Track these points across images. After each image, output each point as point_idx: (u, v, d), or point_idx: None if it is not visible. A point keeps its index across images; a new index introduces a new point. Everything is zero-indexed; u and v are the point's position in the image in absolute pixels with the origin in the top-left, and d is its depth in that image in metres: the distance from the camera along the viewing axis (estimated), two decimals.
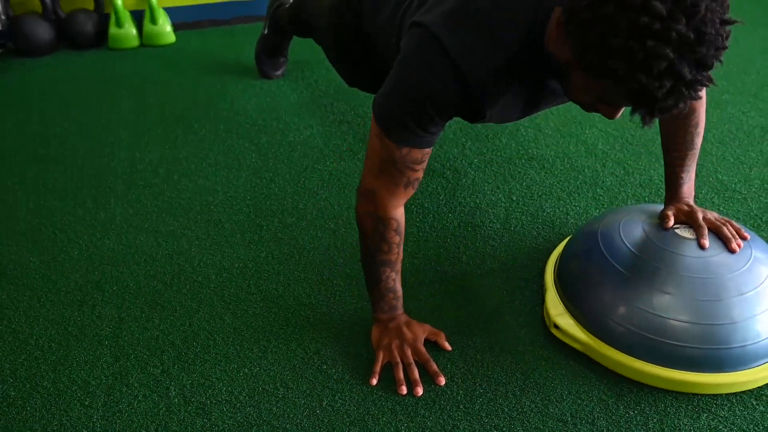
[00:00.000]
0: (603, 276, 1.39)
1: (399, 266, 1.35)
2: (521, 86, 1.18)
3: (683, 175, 1.43)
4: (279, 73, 2.34)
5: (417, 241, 1.66)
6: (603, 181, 1.86)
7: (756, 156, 1.96)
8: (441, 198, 1.81)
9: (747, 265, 1.35)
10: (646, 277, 1.34)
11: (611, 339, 1.34)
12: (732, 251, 1.35)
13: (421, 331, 1.37)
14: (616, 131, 2.07)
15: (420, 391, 1.28)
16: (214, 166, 1.95)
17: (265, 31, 2.27)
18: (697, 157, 1.43)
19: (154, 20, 2.58)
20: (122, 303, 1.52)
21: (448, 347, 1.37)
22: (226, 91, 2.31)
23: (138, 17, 2.63)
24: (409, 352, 1.33)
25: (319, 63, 2.43)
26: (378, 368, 1.32)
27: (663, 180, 1.61)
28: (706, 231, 1.37)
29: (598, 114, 1.27)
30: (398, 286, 1.36)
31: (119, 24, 2.55)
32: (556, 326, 1.39)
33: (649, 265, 1.35)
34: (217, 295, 1.53)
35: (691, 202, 1.44)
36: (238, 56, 2.54)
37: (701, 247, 1.35)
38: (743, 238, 1.39)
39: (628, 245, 1.39)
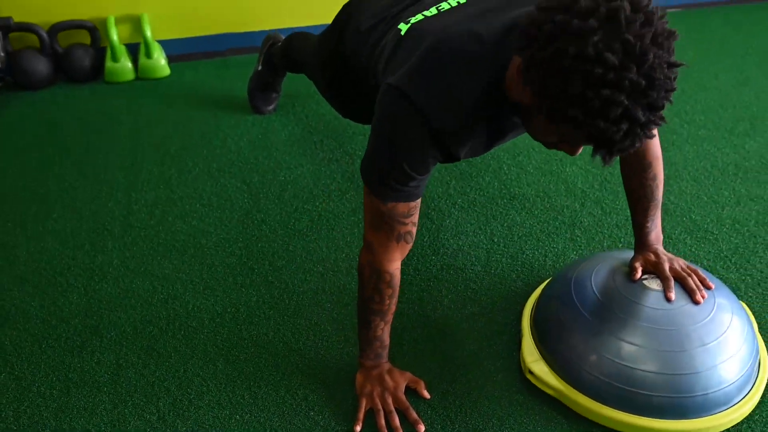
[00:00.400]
0: (575, 324, 1.47)
1: (389, 317, 1.41)
2: (488, 125, 1.26)
3: (648, 225, 1.52)
4: (271, 108, 2.42)
5: (402, 284, 1.73)
6: (581, 222, 1.94)
7: (729, 195, 2.05)
8: (425, 240, 1.89)
9: (710, 316, 1.43)
10: (614, 328, 1.42)
11: (582, 386, 1.42)
12: (696, 303, 1.42)
13: (402, 380, 1.45)
14: (595, 169, 2.15)
15: None
16: (207, 207, 2.02)
17: (259, 68, 2.35)
18: (659, 206, 1.51)
19: (149, 54, 2.65)
20: (120, 349, 1.59)
21: (427, 395, 1.45)
22: (218, 127, 2.39)
23: (133, 50, 2.70)
24: (389, 400, 1.41)
25: (310, 97, 2.51)
26: (361, 415, 1.40)
27: None
28: (672, 283, 1.45)
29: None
30: (386, 336, 1.44)
31: (115, 58, 2.62)
32: (531, 372, 1.47)
33: (616, 315, 1.43)
34: (210, 341, 1.61)
35: (660, 249, 1.52)
36: (231, 89, 2.61)
37: (668, 299, 1.43)
38: (708, 288, 1.47)
39: (598, 295, 1.47)
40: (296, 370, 1.54)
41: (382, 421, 1.38)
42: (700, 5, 3.29)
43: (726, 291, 1.54)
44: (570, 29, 0.94)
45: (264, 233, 1.93)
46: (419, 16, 1.32)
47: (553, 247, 1.86)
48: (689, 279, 1.46)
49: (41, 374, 1.54)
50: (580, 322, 1.46)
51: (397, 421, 1.38)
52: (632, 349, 1.39)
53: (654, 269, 1.49)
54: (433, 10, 1.32)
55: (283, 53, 2.16)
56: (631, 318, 1.42)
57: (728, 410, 1.40)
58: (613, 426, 1.40)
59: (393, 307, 1.41)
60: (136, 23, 2.68)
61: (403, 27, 1.31)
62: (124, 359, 1.57)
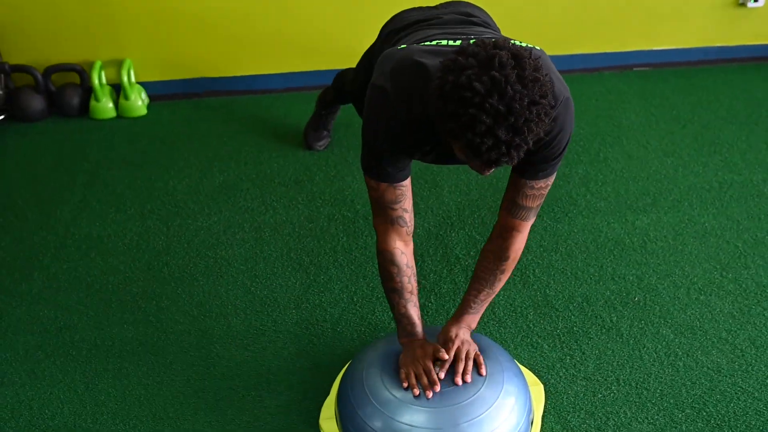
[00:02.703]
0: (358, 401, 1.67)
1: (408, 296, 1.63)
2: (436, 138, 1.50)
3: (471, 306, 1.71)
4: (321, 144, 2.75)
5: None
6: (440, 288, 2.13)
7: (593, 272, 2.18)
8: (297, 292, 2.14)
9: (472, 398, 1.61)
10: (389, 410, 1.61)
11: None
12: (455, 383, 1.61)
13: (430, 349, 1.63)
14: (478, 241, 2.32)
15: (429, 394, 1.57)
16: (128, 246, 2.34)
17: (316, 111, 2.73)
18: (491, 296, 1.70)
19: (126, 96, 3.00)
20: (6, 369, 1.93)
21: (445, 356, 1.61)
22: (165, 169, 2.69)
23: (118, 91, 3.06)
24: (420, 368, 1.61)
25: (258, 147, 2.78)
26: (403, 377, 1.62)
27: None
28: (446, 365, 1.64)
29: None
30: (411, 314, 1.64)
31: (97, 98, 2.99)
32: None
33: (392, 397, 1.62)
34: (79, 369, 1.92)
35: (461, 332, 1.70)
36: (199, 128, 2.94)
37: (437, 377, 1.62)
38: (479, 374, 1.65)
39: (382, 380, 1.66)
40: (139, 401, 1.83)
41: (413, 380, 1.60)
42: (667, 65, 3.34)
43: (510, 374, 1.70)
44: (454, 64, 1.24)
45: (163, 275, 2.22)
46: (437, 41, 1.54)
47: None
48: (460, 363, 1.64)
49: None
50: (362, 399, 1.66)
51: (429, 378, 1.59)
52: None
53: (442, 345, 1.68)
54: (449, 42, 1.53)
55: (333, 86, 2.53)
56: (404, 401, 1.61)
57: None
58: None
59: (408, 286, 1.63)
60: (120, 67, 3.03)
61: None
62: (7, 378, 1.90)
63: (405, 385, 1.63)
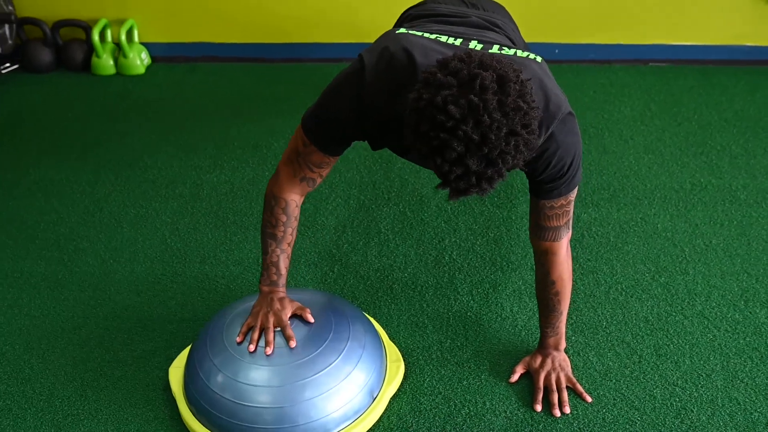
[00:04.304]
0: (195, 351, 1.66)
1: (285, 246, 1.58)
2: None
3: (547, 330, 1.68)
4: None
5: None
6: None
7: (517, 259, 2.06)
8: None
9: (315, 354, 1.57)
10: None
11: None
12: (553, 415, 1.62)
13: (290, 306, 1.61)
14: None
15: (269, 350, 1.52)
16: (74, 190, 2.42)
17: None
18: (562, 317, 1.65)
19: (125, 55, 3.10)
20: None
21: (311, 319, 1.59)
22: (148, 125, 2.77)
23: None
24: (271, 319, 1.57)
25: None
26: (244, 329, 1.58)
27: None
28: (540, 396, 1.66)
29: None
30: (281, 265, 1.60)
31: (98, 55, 3.11)
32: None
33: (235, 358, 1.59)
34: None
35: (551, 356, 1.70)
36: (185, 91, 3.01)
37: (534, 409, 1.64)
38: (584, 401, 1.66)
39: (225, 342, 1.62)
40: None
41: (256, 334, 1.55)
42: (687, 62, 3.11)
43: (356, 344, 1.63)
44: (433, 80, 1.14)
45: (94, 220, 2.29)
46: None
47: None
48: (554, 394, 1.65)
49: None
50: (201, 350, 1.64)
51: (270, 335, 1.54)
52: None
53: (533, 374, 1.70)
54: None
55: None
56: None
57: None
58: None
59: (289, 238, 1.58)
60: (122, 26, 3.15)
61: None
62: None
63: (239, 339, 1.59)
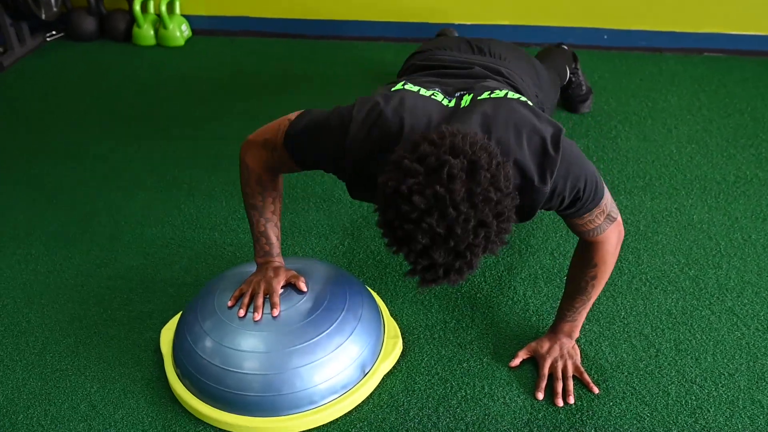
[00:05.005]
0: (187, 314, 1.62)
1: (269, 215, 1.52)
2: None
3: (567, 314, 1.57)
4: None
5: None
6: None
7: (536, 243, 1.95)
8: None
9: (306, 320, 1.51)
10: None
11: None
12: (555, 404, 1.52)
13: (284, 274, 1.55)
14: None
15: (257, 316, 1.48)
16: (115, 158, 2.42)
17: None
18: (588, 304, 1.54)
19: (165, 26, 3.10)
20: None
21: (304, 288, 1.54)
22: (179, 95, 2.77)
23: None
24: (263, 285, 1.52)
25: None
26: (236, 294, 1.53)
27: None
28: (543, 383, 1.55)
29: None
30: (271, 234, 1.54)
31: (139, 25, 3.12)
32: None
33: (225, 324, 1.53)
34: None
35: (560, 342, 1.59)
36: (225, 66, 2.99)
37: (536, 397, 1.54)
38: (591, 392, 1.55)
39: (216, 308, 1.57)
40: None
41: (246, 299, 1.51)
42: (745, 53, 2.92)
43: (351, 315, 1.56)
44: (401, 165, 1.06)
45: (123, 186, 2.27)
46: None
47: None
48: (558, 383, 1.55)
49: None
50: (190, 315, 1.60)
51: (259, 301, 1.49)
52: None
53: (538, 359, 1.60)
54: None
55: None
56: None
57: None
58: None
59: (270, 206, 1.52)
60: None
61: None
62: None
63: (230, 303, 1.54)
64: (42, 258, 1.97)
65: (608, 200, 1.39)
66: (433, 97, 1.32)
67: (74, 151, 2.45)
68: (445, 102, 1.32)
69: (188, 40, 3.21)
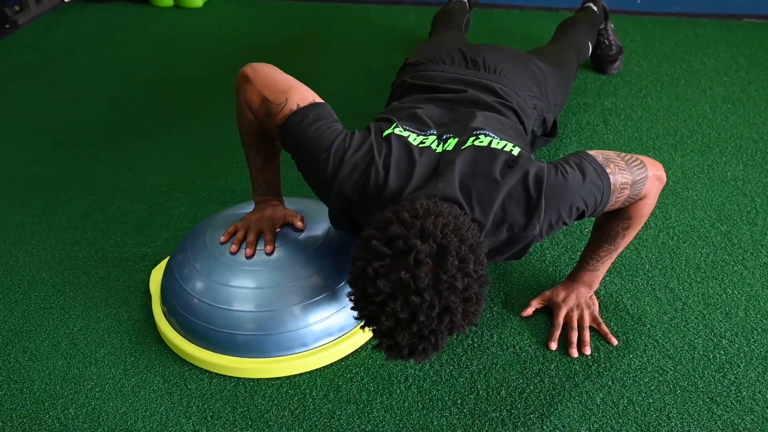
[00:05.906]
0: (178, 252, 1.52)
1: (266, 155, 1.44)
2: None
3: (590, 262, 1.46)
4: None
5: None
6: None
7: None
8: None
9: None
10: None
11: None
12: (570, 354, 1.41)
13: (281, 214, 1.49)
14: None
15: (248, 252, 1.40)
16: (113, 105, 2.34)
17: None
18: (614, 254, 1.43)
19: None
20: None
21: (300, 226, 1.47)
22: (186, 55, 2.69)
23: None
24: (258, 225, 1.46)
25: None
26: (230, 229, 1.47)
27: None
28: (557, 333, 1.45)
29: None
30: (268, 174, 1.47)
31: None
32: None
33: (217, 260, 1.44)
34: None
35: (578, 292, 1.49)
36: (243, 28, 2.91)
37: (548, 347, 1.43)
38: (609, 343, 1.43)
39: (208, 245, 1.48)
40: None
41: (240, 234, 1.44)
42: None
43: None
44: (370, 246, 1.04)
45: (127, 130, 2.20)
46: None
47: None
48: (573, 332, 1.44)
49: None
50: (180, 254, 1.50)
51: (252, 236, 1.43)
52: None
53: (553, 309, 1.50)
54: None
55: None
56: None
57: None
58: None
59: (268, 145, 1.43)
60: None
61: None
62: None
63: (223, 239, 1.45)
64: (37, 201, 1.90)
65: (621, 178, 1.25)
66: (420, 146, 1.26)
67: (83, 101, 2.38)
68: (434, 146, 1.26)
69: (207, 2, 3.13)
